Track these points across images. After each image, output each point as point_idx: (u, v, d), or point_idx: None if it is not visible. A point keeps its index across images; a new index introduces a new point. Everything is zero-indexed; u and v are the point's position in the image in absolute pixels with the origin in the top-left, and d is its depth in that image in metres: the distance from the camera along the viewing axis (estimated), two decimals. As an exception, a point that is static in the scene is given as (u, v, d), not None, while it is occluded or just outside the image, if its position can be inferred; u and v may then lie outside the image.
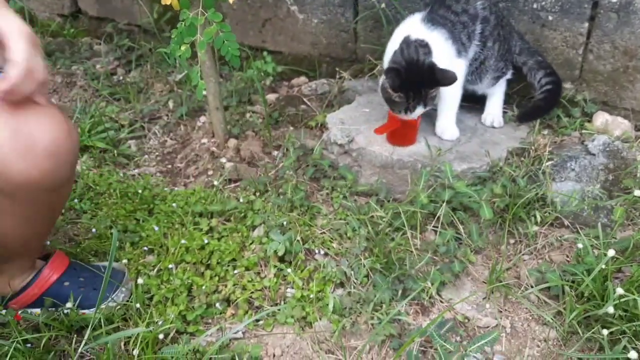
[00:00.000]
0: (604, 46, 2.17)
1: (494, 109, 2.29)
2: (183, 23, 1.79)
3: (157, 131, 2.65)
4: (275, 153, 2.40)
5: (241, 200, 2.03)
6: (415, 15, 2.09)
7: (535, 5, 2.21)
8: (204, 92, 1.99)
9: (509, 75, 2.28)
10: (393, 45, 2.03)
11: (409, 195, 1.93)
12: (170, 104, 2.78)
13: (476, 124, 2.29)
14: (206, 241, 1.81)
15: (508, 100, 2.35)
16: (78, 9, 3.52)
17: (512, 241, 1.89)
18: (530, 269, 1.75)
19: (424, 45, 1.95)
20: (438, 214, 1.81)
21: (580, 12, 2.15)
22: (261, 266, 1.82)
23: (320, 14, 2.74)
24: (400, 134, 2.06)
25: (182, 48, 1.78)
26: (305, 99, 2.67)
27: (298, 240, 1.82)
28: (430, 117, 2.17)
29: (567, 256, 1.81)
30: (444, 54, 2.00)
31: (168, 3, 1.87)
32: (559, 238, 1.84)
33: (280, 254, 1.76)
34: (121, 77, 3.10)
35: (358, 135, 2.15)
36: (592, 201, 1.86)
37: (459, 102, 2.13)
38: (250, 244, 1.88)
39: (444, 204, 1.79)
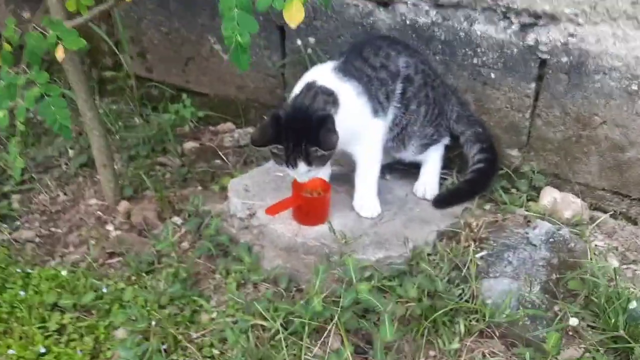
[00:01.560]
0: (553, 111, 1.85)
1: (428, 177, 1.95)
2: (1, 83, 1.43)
3: (50, 184, 2.29)
4: (175, 219, 2.05)
5: (107, 289, 1.67)
6: (327, 64, 1.77)
7: (475, 60, 1.90)
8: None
9: (445, 141, 1.95)
10: (300, 84, 1.73)
11: (309, 291, 1.58)
12: (70, 152, 2.42)
13: (407, 195, 1.95)
14: (43, 350, 1.45)
15: (449, 164, 2.02)
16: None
17: (432, 353, 1.54)
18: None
19: (329, 94, 1.64)
20: (332, 325, 1.46)
21: (527, 70, 1.83)
22: (113, 384, 1.45)
23: (245, 54, 2.41)
24: (304, 211, 1.72)
25: (0, 113, 1.43)
26: (221, 153, 2.33)
27: (160, 352, 1.46)
28: (352, 187, 1.83)
29: (495, 381, 1.46)
30: (355, 110, 1.69)
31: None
32: (487, 355, 1.50)
33: (128, 374, 1.40)
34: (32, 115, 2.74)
35: (261, 208, 1.81)
36: (528, 310, 1.51)
37: (378, 172, 1.80)
38: (107, 349, 1.52)
39: (338, 313, 1.44)
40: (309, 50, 2.19)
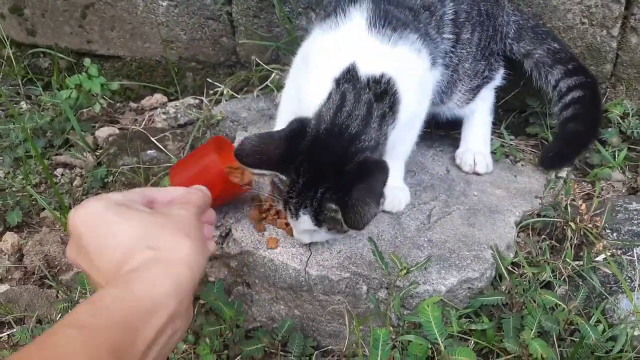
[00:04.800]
0: (660, 21, 1.24)
1: (475, 142, 1.33)
2: None
3: None
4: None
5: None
6: (353, 14, 1.02)
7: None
8: None
9: (497, 81, 1.30)
10: (313, 73, 1.01)
11: (348, 351, 0.91)
12: None
13: (448, 170, 1.31)
14: None
15: (495, 118, 1.39)
16: None
17: None
18: None
19: (383, 90, 0.94)
20: None
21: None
22: None
23: (170, -9, 1.65)
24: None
25: None
26: (154, 139, 1.57)
27: None
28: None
29: None
30: (423, 79, 1.04)
31: None
32: None
33: None
34: None
35: (239, 224, 1.10)
36: None
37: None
38: None
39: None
40: (269, -30, 1.46)
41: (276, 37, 1.61)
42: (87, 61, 1.79)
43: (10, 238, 1.31)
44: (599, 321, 0.93)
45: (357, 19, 1.00)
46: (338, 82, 0.94)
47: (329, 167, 0.89)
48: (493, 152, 1.35)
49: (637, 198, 1.21)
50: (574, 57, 1.31)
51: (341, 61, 0.95)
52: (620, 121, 1.35)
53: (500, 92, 1.39)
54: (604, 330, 0.92)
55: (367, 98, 0.92)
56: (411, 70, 0.99)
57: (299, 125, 0.92)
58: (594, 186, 1.28)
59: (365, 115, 0.91)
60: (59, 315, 1.14)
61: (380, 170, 0.89)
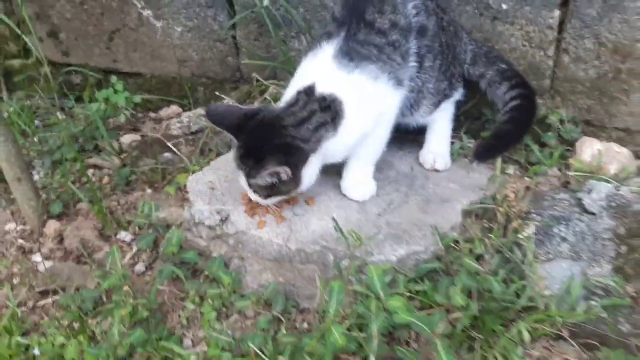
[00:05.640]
0: (584, 43, 1.49)
1: (436, 144, 1.57)
2: None
3: (-47, 210, 1.77)
4: (123, 235, 1.59)
5: (40, 350, 1.21)
6: (324, 49, 1.33)
7: (481, -10, 1.51)
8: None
9: (457, 96, 1.56)
10: (290, 86, 1.35)
11: (319, 315, 1.18)
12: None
13: (412, 168, 1.57)
14: None
15: (456, 125, 1.64)
16: None
17: (487, 370, 1.18)
18: None
19: (329, 108, 1.26)
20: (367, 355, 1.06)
21: (548, -5, 1.46)
22: None
23: (184, 18, 1.94)
24: None
25: None
26: (169, 143, 1.86)
27: None
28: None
29: (579, 398, 1.12)
30: (375, 100, 1.32)
31: None
32: (560, 365, 1.15)
33: None
34: None
35: (235, 210, 1.38)
36: (604, 300, 1.16)
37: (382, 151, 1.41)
38: None
39: (371, 342, 1.04)
40: (266, 2, 1.74)
41: (274, 57, 1.88)
42: (113, 78, 2.07)
43: (53, 225, 1.60)
44: (512, 282, 1.19)
45: (327, 51, 1.30)
46: (299, 93, 1.26)
47: (261, 142, 1.22)
48: (451, 153, 1.61)
49: (566, 190, 1.46)
50: (518, 74, 1.55)
51: (307, 80, 1.26)
52: (560, 126, 1.60)
53: (461, 104, 1.64)
54: (516, 291, 1.17)
55: (312, 108, 1.23)
56: (362, 93, 1.28)
57: (258, 110, 1.27)
58: (534, 179, 1.53)
59: (304, 117, 1.22)
60: (93, 285, 1.42)
61: (292, 151, 1.22)
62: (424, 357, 1.11)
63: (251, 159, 1.22)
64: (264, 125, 1.24)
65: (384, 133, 1.37)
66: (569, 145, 1.59)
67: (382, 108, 1.33)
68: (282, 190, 1.26)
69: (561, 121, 1.59)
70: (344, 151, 1.32)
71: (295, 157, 1.22)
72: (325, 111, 1.24)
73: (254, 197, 1.30)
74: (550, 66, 1.56)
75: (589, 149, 1.49)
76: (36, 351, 1.20)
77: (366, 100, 1.29)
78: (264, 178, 1.21)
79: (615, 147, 1.50)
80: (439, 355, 0.98)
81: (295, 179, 1.23)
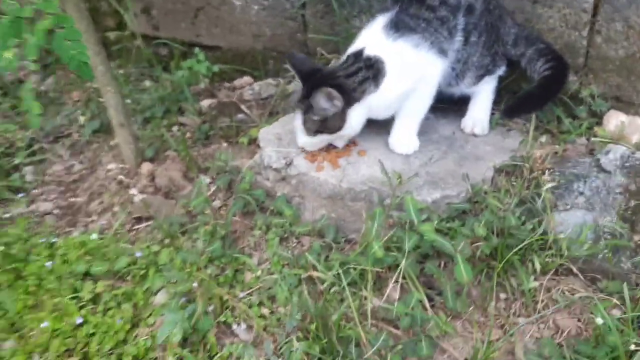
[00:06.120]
0: (615, 25, 1.66)
1: (477, 112, 1.78)
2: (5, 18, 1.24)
3: (63, 153, 2.13)
4: (202, 178, 1.89)
5: (141, 253, 1.52)
6: (378, 21, 1.60)
7: (523, -25, 1.70)
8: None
9: (500, 72, 1.77)
10: (348, 50, 1.62)
11: (363, 238, 1.43)
12: (81, 119, 2.25)
13: (454, 133, 1.78)
14: (80, 320, 1.31)
15: (496, 98, 1.84)
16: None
17: (502, 296, 1.39)
18: (530, 346, 1.25)
19: (372, 66, 1.52)
20: (399, 271, 1.31)
21: (583, -19, 1.64)
22: (159, 352, 1.31)
23: (260, -2, 2.22)
24: None
25: (7, 54, 1.23)
26: (243, 106, 2.15)
27: (207, 313, 1.32)
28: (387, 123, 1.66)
29: (579, 320, 1.31)
30: (413, 66, 1.56)
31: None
32: (567, 293, 1.35)
33: (176, 340, 1.25)
34: (34, 85, 2.56)
35: (298, 156, 1.64)
36: (609, 241, 1.36)
37: (425, 113, 1.65)
38: (148, 316, 1.38)
39: (406, 257, 1.29)
40: (334, -18, 1.99)
41: (337, 34, 2.14)
42: (197, 50, 2.39)
43: (146, 166, 1.91)
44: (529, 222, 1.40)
45: (379, 22, 1.56)
46: (350, 55, 1.54)
47: (318, 85, 1.48)
48: (490, 122, 1.81)
49: (590, 156, 1.64)
50: (554, 51, 1.74)
51: (359, 46, 1.54)
52: (591, 101, 1.77)
53: (502, 79, 1.84)
54: (533, 228, 1.38)
55: (359, 66, 1.50)
56: (403, 58, 1.52)
57: (323, 67, 1.58)
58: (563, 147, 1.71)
59: (352, 72, 1.49)
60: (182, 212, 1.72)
61: (341, 90, 1.48)
62: (448, 276, 1.34)
63: (309, 98, 1.49)
64: (322, 76, 1.53)
65: (426, 95, 1.60)
66: (599, 118, 1.76)
67: (422, 72, 1.55)
68: (330, 127, 1.52)
69: (592, 96, 1.76)
70: (386, 108, 1.56)
71: (344, 96, 1.48)
72: (369, 69, 1.50)
73: (303, 140, 1.57)
74: (584, 45, 1.74)
75: (615, 120, 1.67)
76: (138, 254, 1.51)
77: (406, 64, 1.52)
78: (319, 102, 1.46)
79: (639, 120, 1.66)
80: (458, 267, 1.22)
81: (343, 115, 1.49)
